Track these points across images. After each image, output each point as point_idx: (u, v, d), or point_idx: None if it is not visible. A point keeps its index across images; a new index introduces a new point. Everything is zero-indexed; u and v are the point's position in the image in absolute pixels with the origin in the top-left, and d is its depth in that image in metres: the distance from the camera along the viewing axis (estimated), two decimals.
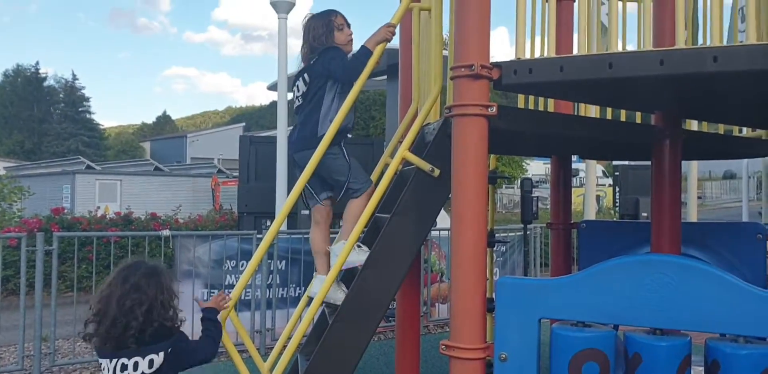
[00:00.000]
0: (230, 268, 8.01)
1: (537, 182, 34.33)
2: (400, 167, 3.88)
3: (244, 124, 64.50)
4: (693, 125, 4.69)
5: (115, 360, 2.90)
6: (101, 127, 63.23)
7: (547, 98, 4.30)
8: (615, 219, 19.91)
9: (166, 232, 7.04)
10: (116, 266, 3.29)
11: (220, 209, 23.63)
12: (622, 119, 4.36)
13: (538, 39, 4.43)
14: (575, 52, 3.26)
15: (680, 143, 3.75)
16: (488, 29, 3.02)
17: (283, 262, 8.06)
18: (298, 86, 3.97)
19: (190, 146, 53.06)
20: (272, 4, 7.82)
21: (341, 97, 3.82)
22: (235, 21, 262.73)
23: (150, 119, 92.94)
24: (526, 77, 2.94)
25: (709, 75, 2.61)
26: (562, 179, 5.31)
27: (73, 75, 59.40)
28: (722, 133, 4.53)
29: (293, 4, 7.86)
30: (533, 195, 8.84)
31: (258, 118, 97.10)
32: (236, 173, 30.32)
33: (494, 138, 2.98)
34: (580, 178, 28.02)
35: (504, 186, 35.19)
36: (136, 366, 2.89)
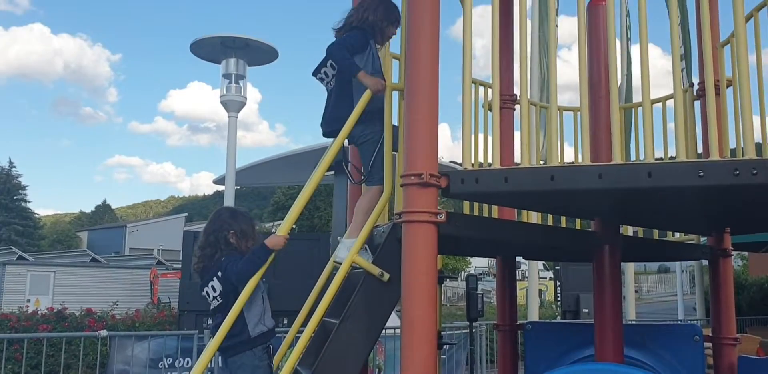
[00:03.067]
0: (167, 366, 7.72)
1: (480, 275, 34.53)
2: (350, 270, 3.90)
3: (186, 214, 63.74)
4: (629, 227, 4.89)
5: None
6: (36, 215, 61.40)
7: (492, 204, 4.45)
8: (557, 313, 20.04)
9: (103, 332, 6.79)
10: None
11: (158, 303, 22.91)
12: (563, 223, 4.52)
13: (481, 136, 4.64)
14: (517, 158, 3.42)
15: (619, 249, 3.90)
16: (437, 139, 3.17)
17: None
18: (325, 72, 4.00)
19: (129, 236, 51.89)
20: (223, 103, 8.00)
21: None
22: (182, 112, 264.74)
23: (89, 208, 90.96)
24: (473, 186, 3.07)
25: (644, 189, 2.77)
26: (508, 279, 5.39)
27: (10, 163, 57.55)
28: (657, 238, 4.73)
29: (243, 104, 8.04)
30: (478, 292, 8.92)
31: (201, 208, 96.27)
32: (176, 265, 29.63)
33: (442, 240, 3.06)
34: (522, 271, 28.31)
35: (448, 279, 35.22)
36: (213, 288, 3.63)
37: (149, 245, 47.04)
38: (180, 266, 16.49)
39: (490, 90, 4.54)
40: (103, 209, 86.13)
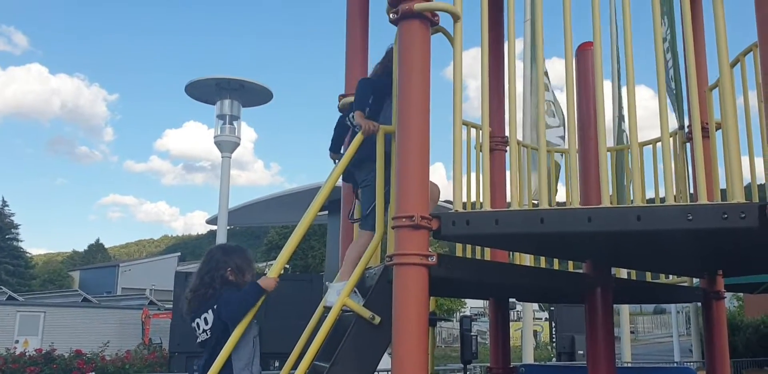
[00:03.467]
0: None
1: (476, 315, 34.20)
2: (341, 313, 3.87)
3: (179, 253, 63.28)
4: (622, 269, 4.88)
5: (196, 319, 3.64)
6: (28, 255, 60.85)
7: (483, 246, 4.45)
8: (553, 355, 19.81)
9: None
10: None
11: (150, 344, 22.60)
12: (556, 265, 4.52)
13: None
14: (509, 199, 3.44)
15: (611, 291, 3.89)
16: (428, 182, 3.19)
17: None
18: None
19: (121, 275, 51.41)
20: (216, 143, 8.02)
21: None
22: (177, 152, 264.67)
23: (81, 247, 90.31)
24: (464, 229, 3.07)
25: (634, 232, 2.78)
26: (501, 321, 5.35)
27: (3, 201, 57.33)
28: (649, 280, 4.72)
29: (237, 144, 8.07)
30: (472, 334, 8.84)
31: (194, 247, 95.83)
32: (168, 305, 29.29)
33: (434, 282, 3.05)
34: (517, 311, 28.14)
35: (442, 320, 34.94)
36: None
37: (142, 285, 46.57)
38: (172, 306, 16.36)
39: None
40: (96, 248, 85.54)
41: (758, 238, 2.66)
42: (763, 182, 3.77)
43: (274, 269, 3.66)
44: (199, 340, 3.62)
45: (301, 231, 3.77)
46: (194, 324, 3.61)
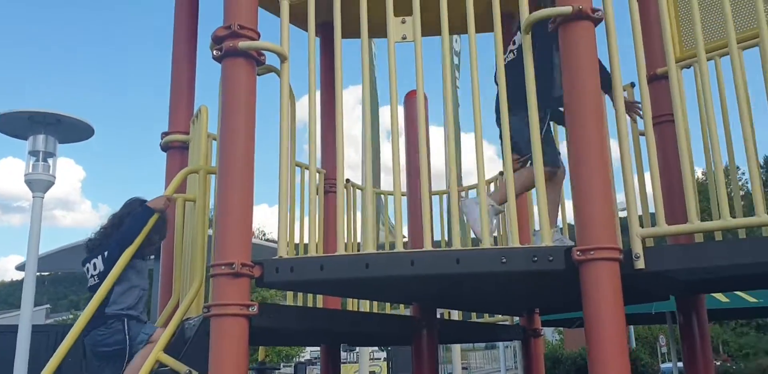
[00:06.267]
0: None
1: (315, 359, 33.72)
2: (156, 367, 3.61)
3: None
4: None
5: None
6: None
7: (309, 293, 4.37)
8: None
9: None
10: None
11: None
12: (388, 308, 4.52)
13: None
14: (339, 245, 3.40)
15: (436, 332, 3.95)
16: (250, 227, 3.08)
17: None
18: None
19: None
20: (27, 182, 7.34)
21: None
22: None
23: None
24: (288, 275, 2.98)
25: (454, 275, 2.83)
26: (332, 367, 5.25)
27: None
28: (475, 320, 4.86)
29: (52, 183, 7.45)
30: None
31: (6, 295, 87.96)
32: None
33: (257, 332, 2.92)
34: (356, 352, 28.03)
35: (282, 366, 34.07)
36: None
37: None
38: None
39: (317, 174, 4.55)
40: None
41: (567, 279, 2.78)
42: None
43: (168, 190, 3.76)
44: (89, 285, 3.81)
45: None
46: (85, 269, 3.83)
